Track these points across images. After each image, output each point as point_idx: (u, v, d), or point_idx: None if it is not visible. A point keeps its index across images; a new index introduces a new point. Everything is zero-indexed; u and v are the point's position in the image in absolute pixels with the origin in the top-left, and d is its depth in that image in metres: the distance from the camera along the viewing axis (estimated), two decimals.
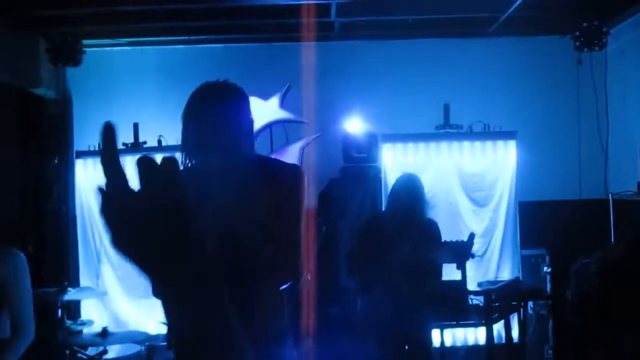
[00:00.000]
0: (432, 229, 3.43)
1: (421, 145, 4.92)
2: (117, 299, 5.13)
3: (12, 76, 5.05)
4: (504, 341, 4.01)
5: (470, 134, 4.91)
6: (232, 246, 1.71)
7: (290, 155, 5.38)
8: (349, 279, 3.67)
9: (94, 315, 4.92)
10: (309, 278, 3.90)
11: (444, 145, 4.91)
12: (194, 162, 1.82)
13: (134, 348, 3.93)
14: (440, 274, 3.39)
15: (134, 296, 5.15)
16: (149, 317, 5.10)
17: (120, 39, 5.61)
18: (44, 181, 5.37)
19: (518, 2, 4.71)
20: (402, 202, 3.40)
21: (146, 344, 3.91)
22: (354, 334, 3.77)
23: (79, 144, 5.46)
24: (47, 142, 5.43)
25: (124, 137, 5.31)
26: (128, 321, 5.10)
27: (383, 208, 4.97)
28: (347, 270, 3.64)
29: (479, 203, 4.89)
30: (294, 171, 1.99)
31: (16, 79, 5.13)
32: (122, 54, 5.73)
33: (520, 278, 4.67)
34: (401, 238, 3.23)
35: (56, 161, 5.46)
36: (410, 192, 3.38)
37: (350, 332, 3.79)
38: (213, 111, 1.81)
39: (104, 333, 3.76)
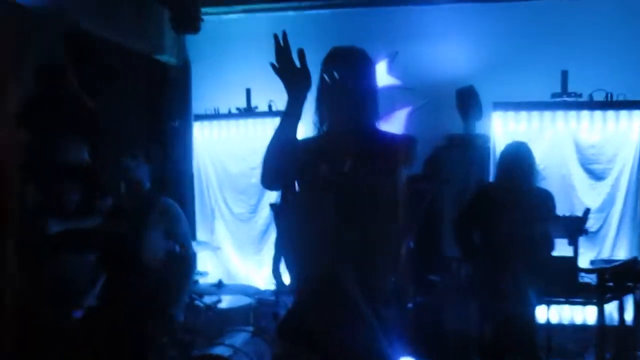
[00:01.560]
0: (545, 199, 3.30)
1: (535, 114, 4.70)
2: (229, 253, 5.50)
3: (138, 42, 5.44)
4: (616, 323, 3.83)
5: (590, 103, 4.60)
6: (351, 198, 1.83)
7: (397, 121, 5.37)
8: (455, 246, 3.64)
9: (208, 267, 5.31)
10: (412, 245, 3.95)
11: (559, 114, 4.66)
12: (325, 125, 1.94)
13: (245, 300, 4.22)
14: (552, 248, 3.28)
15: (245, 252, 5.49)
16: (257, 272, 5.43)
17: (234, 7, 5.82)
18: (165, 142, 5.79)
19: None
20: (510, 171, 3.30)
21: (256, 297, 4.18)
22: (455, 302, 3.78)
23: (197, 108, 5.81)
24: (168, 106, 5.83)
25: (237, 102, 5.58)
26: (238, 275, 5.46)
27: (491, 178, 4.87)
28: (453, 237, 3.62)
29: (596, 176, 4.61)
30: (406, 139, 2.04)
31: (142, 45, 5.52)
32: (236, 22, 5.94)
33: (639, 258, 4.39)
34: (511, 208, 3.16)
35: (176, 124, 5.85)
36: (519, 161, 3.27)
37: (450, 300, 3.81)
38: (346, 77, 1.86)
39: (219, 284, 4.07)
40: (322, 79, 1.90)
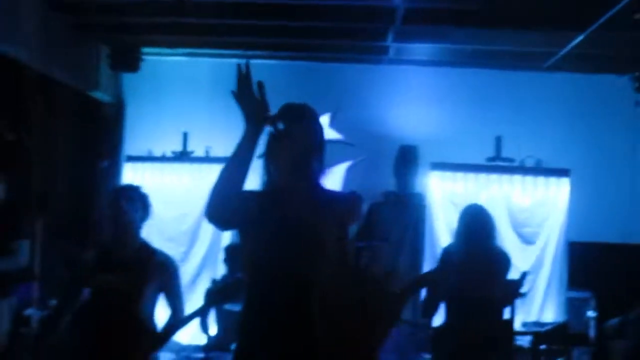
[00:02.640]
0: (502, 261, 3.31)
1: (471, 176, 4.85)
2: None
3: (72, 77, 5.20)
4: None
5: (522, 169, 4.82)
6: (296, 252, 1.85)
7: (335, 175, 5.37)
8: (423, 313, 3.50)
9: None
10: None
11: (494, 177, 4.84)
12: (271, 180, 1.95)
13: (168, 357, 3.93)
14: (499, 311, 3.25)
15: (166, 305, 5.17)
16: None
17: (177, 49, 5.72)
18: (93, 182, 5.48)
19: (578, 39, 4.63)
20: (474, 232, 3.28)
21: (181, 354, 3.91)
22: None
23: (130, 149, 5.57)
24: (99, 144, 5.56)
25: (173, 145, 5.40)
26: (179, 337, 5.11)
27: (425, 236, 4.93)
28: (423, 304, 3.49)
29: (526, 240, 4.77)
30: (352, 197, 2.05)
31: (76, 80, 5.28)
32: (177, 64, 5.84)
33: (564, 319, 4.53)
34: (471, 271, 3.15)
35: (105, 164, 5.57)
36: (483, 222, 3.28)
37: None
38: (295, 134, 1.89)
39: None
40: (271, 134, 1.90)
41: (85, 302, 2.68)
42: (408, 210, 5.14)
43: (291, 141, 1.87)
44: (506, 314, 3.35)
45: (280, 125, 1.86)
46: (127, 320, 2.62)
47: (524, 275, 3.19)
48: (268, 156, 1.94)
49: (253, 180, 2.00)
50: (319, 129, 2.01)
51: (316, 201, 1.93)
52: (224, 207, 1.85)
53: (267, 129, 1.91)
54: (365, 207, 5.11)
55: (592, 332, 4.61)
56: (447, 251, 3.42)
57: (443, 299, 3.26)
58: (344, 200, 2.01)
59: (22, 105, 4.70)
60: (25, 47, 4.29)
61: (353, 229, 2.00)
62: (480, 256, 3.18)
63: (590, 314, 4.70)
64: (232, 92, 1.85)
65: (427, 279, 3.22)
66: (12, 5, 4.16)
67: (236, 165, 1.84)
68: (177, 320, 2.78)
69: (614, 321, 4.00)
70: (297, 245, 1.89)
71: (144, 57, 5.49)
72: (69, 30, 4.97)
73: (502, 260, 3.29)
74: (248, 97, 1.82)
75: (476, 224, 3.24)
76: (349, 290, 2.04)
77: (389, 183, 5.32)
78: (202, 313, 2.66)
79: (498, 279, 3.21)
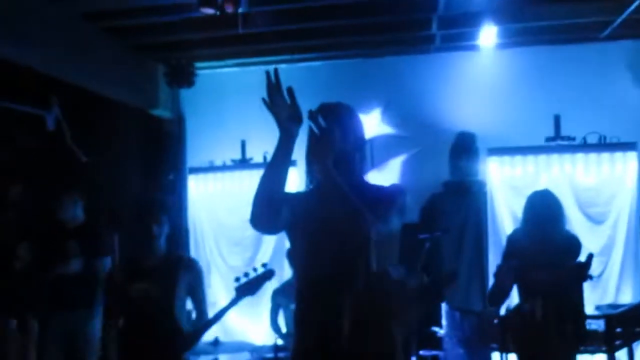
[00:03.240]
0: (571, 245, 3.23)
1: (530, 158, 4.71)
2: None
3: (134, 98, 5.50)
4: None
5: (584, 146, 4.62)
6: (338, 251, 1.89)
7: (391, 169, 5.37)
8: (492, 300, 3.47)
9: None
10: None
11: (554, 157, 4.67)
12: (313, 178, 2.02)
13: (244, 358, 4.08)
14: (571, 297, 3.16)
15: (241, 306, 5.35)
16: (255, 327, 5.29)
17: (228, 60, 5.91)
18: (161, 196, 5.75)
19: (636, 4, 4.39)
20: (541, 216, 3.22)
21: (255, 354, 4.05)
22: (458, 354, 3.67)
23: (192, 161, 5.81)
24: (163, 159, 5.83)
25: (232, 153, 5.58)
26: (235, 330, 5.31)
27: (488, 223, 4.82)
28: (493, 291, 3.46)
29: (594, 219, 4.58)
30: (394, 190, 2.07)
31: (137, 100, 5.58)
32: (230, 75, 6.02)
33: None
34: (542, 254, 3.09)
35: (171, 177, 5.84)
36: (550, 207, 3.21)
37: (453, 352, 3.70)
38: (332, 131, 1.91)
39: (216, 342, 3.94)
40: (309, 133, 1.93)
41: (126, 312, 2.84)
42: (468, 198, 5.05)
43: (329, 139, 1.89)
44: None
45: (317, 124, 1.88)
46: (164, 323, 2.78)
47: (590, 256, 3.08)
48: (309, 156, 1.99)
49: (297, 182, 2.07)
50: (357, 124, 2.06)
51: (361, 196, 1.96)
52: (266, 212, 1.91)
53: (307, 129, 1.96)
54: (425, 199, 5.12)
55: None
56: (513, 238, 3.37)
57: (510, 286, 3.21)
58: (387, 193, 2.03)
59: (91, 128, 5.03)
60: (85, 70, 4.58)
61: (397, 221, 2.02)
62: (549, 241, 3.11)
63: None
64: (263, 99, 1.92)
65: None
66: (73, 34, 4.44)
67: (274, 172, 1.89)
68: (207, 320, 2.92)
69: None
70: (342, 242, 1.93)
71: (198, 71, 5.70)
72: (126, 52, 5.26)
73: (572, 245, 3.20)
74: (279, 103, 1.88)
75: (543, 209, 3.17)
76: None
77: (448, 172, 5.25)
78: (231, 307, 2.79)
79: (567, 263, 3.12)
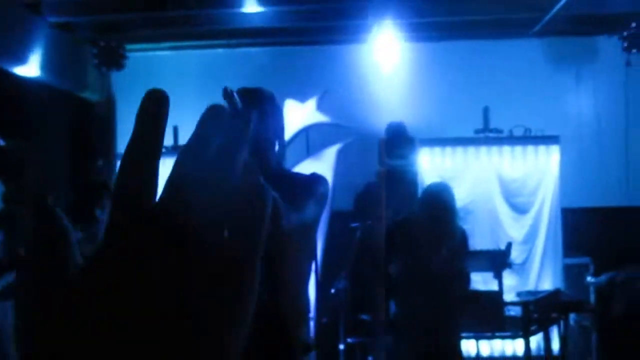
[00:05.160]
0: (463, 238, 3.37)
1: (459, 149, 4.83)
2: None
3: (60, 80, 5.24)
4: (543, 354, 3.89)
5: (511, 139, 4.78)
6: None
7: (327, 158, 5.37)
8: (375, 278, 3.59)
9: None
10: (342, 286, 3.89)
11: (483, 149, 4.81)
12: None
13: None
14: (469, 283, 3.31)
15: None
16: None
17: (162, 44, 5.73)
18: (90, 180, 5.54)
19: (563, 1, 4.56)
20: (435, 209, 3.33)
21: None
22: (386, 342, 3.72)
23: (122, 146, 5.61)
24: (92, 143, 5.61)
25: (164, 140, 5.43)
26: None
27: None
28: (373, 267, 3.58)
29: (519, 209, 4.76)
30: (312, 178, 2.05)
31: (64, 82, 5.32)
32: (164, 58, 5.85)
33: (563, 288, 4.52)
34: (434, 246, 3.17)
35: (101, 162, 5.62)
36: (444, 199, 3.32)
37: (381, 339, 3.76)
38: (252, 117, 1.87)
39: None
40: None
41: None
42: (401, 187, 5.13)
43: (248, 129, 1.87)
44: (493, 285, 3.37)
45: (232, 102, 1.86)
46: None
47: (509, 245, 3.20)
48: None
49: None
50: (278, 112, 2.02)
51: (276, 185, 1.94)
52: None
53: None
54: (359, 188, 5.16)
55: (592, 298, 4.61)
56: (401, 224, 3.47)
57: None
58: (305, 182, 2.02)
59: (13, 110, 4.76)
60: (10, 52, 4.33)
61: (313, 210, 2.00)
62: (441, 231, 3.20)
63: (590, 279, 4.69)
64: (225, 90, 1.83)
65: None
66: None
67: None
68: None
69: (602, 279, 4.00)
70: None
71: (129, 54, 5.50)
72: (51, 32, 5.00)
73: (463, 237, 3.33)
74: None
75: (439, 201, 3.27)
76: None
77: (382, 162, 5.31)
78: None
79: (464, 253, 3.23)
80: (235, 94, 1.82)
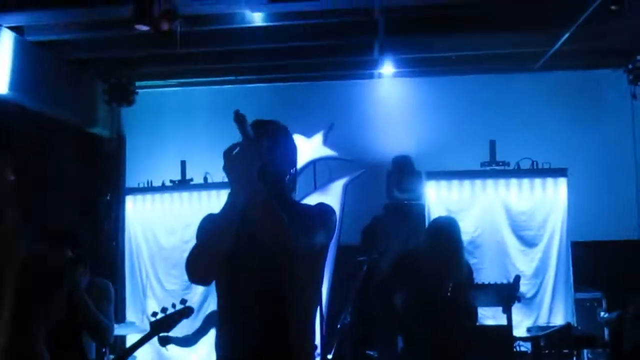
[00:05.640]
0: (469, 271, 3.33)
1: (466, 182, 4.81)
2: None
3: (71, 115, 5.33)
4: None
5: (518, 171, 4.76)
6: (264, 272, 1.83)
7: (333, 192, 5.37)
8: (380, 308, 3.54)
9: (138, 351, 4.97)
10: (348, 320, 3.83)
11: (489, 182, 4.78)
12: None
13: None
14: (476, 318, 3.25)
15: (178, 332, 5.19)
16: (190, 355, 5.12)
17: (170, 80, 5.83)
18: (97, 216, 5.57)
19: (565, 37, 4.61)
20: (442, 242, 3.31)
21: None
22: None
23: (130, 181, 5.65)
24: (100, 178, 5.65)
25: (172, 174, 5.47)
26: (171, 357, 5.13)
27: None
28: (378, 300, 3.54)
29: (528, 242, 4.69)
30: (321, 208, 2.04)
31: (75, 118, 5.41)
32: (172, 95, 5.95)
33: (575, 323, 4.42)
34: (439, 279, 3.14)
35: (107, 197, 5.65)
36: (450, 233, 3.29)
37: None
38: (264, 148, 1.82)
39: None
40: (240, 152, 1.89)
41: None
42: (409, 220, 5.10)
43: (256, 147, 1.78)
44: (503, 320, 3.29)
45: (243, 127, 1.75)
46: (73, 356, 2.69)
47: (517, 278, 3.15)
48: (232, 167, 1.82)
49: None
50: (290, 144, 2.02)
51: (287, 215, 1.93)
52: (209, 266, 1.84)
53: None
54: (367, 221, 5.14)
55: (605, 334, 4.49)
56: (407, 256, 3.44)
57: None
58: (313, 211, 2.01)
59: (24, 145, 4.83)
60: (22, 88, 4.42)
61: (321, 238, 1.99)
62: (447, 265, 3.17)
63: (603, 314, 4.59)
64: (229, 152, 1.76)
65: None
66: (5, 46, 4.29)
67: (225, 227, 1.79)
68: (119, 355, 2.85)
69: (612, 315, 3.91)
70: (269, 262, 1.89)
71: (139, 90, 5.60)
72: (63, 68, 5.11)
73: (469, 271, 3.30)
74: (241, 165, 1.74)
75: (449, 235, 3.25)
76: None
77: (390, 196, 5.30)
78: (144, 342, 2.71)
79: (470, 287, 3.19)
80: (245, 118, 1.83)
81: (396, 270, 3.43)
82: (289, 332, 1.89)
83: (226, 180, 1.88)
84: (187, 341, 4.08)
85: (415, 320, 3.09)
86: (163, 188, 5.41)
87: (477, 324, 3.34)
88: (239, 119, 1.78)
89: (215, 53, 5.13)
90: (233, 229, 1.79)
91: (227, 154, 1.79)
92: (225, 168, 1.78)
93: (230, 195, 1.82)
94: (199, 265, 1.83)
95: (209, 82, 5.81)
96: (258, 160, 1.80)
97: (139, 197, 5.48)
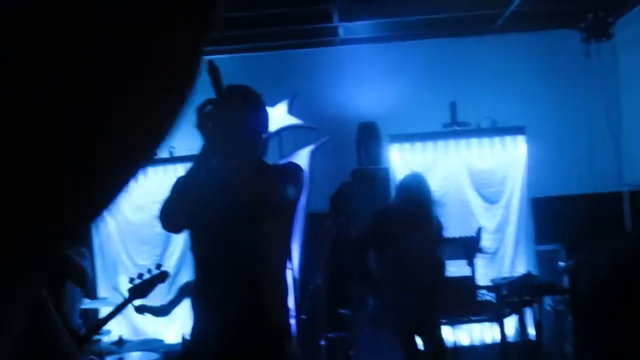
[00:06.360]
0: (439, 226, 3.44)
1: (429, 144, 4.92)
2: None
3: None
4: (522, 339, 3.96)
5: (478, 131, 4.89)
6: (236, 223, 1.90)
7: (300, 159, 5.41)
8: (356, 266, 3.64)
9: (112, 325, 4.99)
10: (320, 281, 3.92)
11: (451, 143, 4.91)
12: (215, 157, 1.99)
13: (152, 356, 3.98)
14: (444, 271, 3.38)
15: (152, 303, 5.22)
16: (166, 327, 5.17)
17: None
18: None
19: None
20: (412, 198, 3.40)
21: (162, 351, 3.96)
22: (367, 335, 3.77)
23: None
24: None
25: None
26: (147, 331, 5.16)
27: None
28: (352, 261, 3.64)
29: (489, 200, 4.86)
30: (289, 166, 2.13)
31: None
32: None
33: (537, 274, 4.62)
34: (411, 234, 3.24)
35: None
36: (418, 189, 3.38)
37: (362, 333, 3.79)
38: (236, 114, 1.95)
39: (120, 342, 3.82)
40: (215, 113, 1.93)
41: None
42: (374, 185, 5.20)
43: (234, 120, 1.91)
44: (467, 271, 3.43)
45: (216, 78, 1.89)
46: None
47: (479, 230, 3.28)
48: (212, 137, 1.95)
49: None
50: (262, 108, 2.08)
51: (260, 175, 1.99)
52: (181, 214, 1.90)
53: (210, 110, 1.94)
54: (335, 187, 5.21)
55: (565, 282, 4.71)
56: (382, 213, 3.52)
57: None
58: (284, 170, 2.09)
59: None
60: None
61: (292, 194, 2.05)
62: (417, 220, 3.27)
63: (561, 264, 4.80)
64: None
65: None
66: None
67: (198, 176, 1.89)
68: (98, 321, 2.87)
69: (569, 263, 4.11)
70: (245, 222, 1.94)
71: None
72: None
73: (440, 226, 3.40)
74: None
75: (417, 191, 3.34)
76: None
77: (357, 161, 5.38)
78: (122, 309, 2.75)
79: (439, 241, 3.30)
80: (219, 71, 1.89)
81: (370, 230, 3.51)
82: (263, 294, 1.95)
83: (192, 153, 1.94)
84: (162, 311, 4.12)
85: (386, 277, 3.19)
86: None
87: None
88: (214, 71, 1.83)
89: None
90: (202, 180, 1.87)
91: (200, 110, 1.84)
92: (198, 125, 1.84)
93: (202, 151, 1.88)
94: (169, 214, 1.89)
95: None
96: (232, 118, 1.87)
97: None
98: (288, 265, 2.13)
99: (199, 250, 2.06)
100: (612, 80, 5.37)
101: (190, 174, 1.92)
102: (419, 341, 3.35)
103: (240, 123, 1.95)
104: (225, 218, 1.93)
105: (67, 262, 2.86)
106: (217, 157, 2.02)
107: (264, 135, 2.12)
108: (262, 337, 1.90)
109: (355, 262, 3.73)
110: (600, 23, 5.26)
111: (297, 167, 2.12)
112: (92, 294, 3.13)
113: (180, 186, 1.92)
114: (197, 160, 1.91)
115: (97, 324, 2.86)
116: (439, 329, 3.33)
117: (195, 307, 2.06)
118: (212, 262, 1.98)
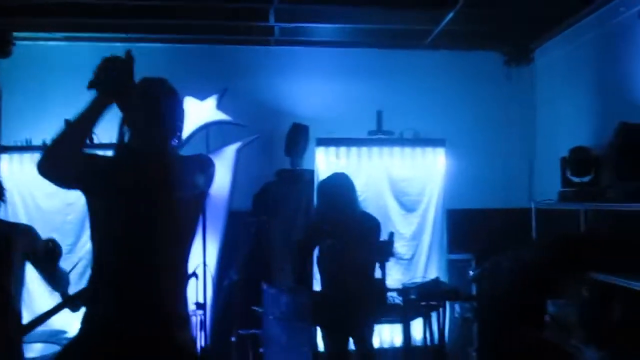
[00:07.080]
0: (372, 223, 3.47)
1: (353, 149, 5.03)
2: (39, 298, 4.95)
3: None
4: (428, 343, 4.10)
5: (401, 140, 5.06)
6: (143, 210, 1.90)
7: (226, 156, 5.37)
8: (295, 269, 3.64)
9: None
10: (235, 277, 3.91)
11: (375, 150, 5.03)
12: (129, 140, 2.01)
13: (54, 348, 3.81)
14: (371, 272, 3.43)
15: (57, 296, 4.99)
16: (73, 317, 4.96)
17: (54, 33, 5.48)
18: None
19: (449, 16, 4.90)
20: (332, 198, 3.43)
21: (64, 343, 3.79)
22: (278, 333, 3.78)
23: (5, 139, 5.29)
24: None
25: (53, 133, 5.18)
26: (54, 321, 4.93)
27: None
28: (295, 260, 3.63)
29: (407, 207, 5.02)
30: (200, 158, 2.13)
31: None
32: (56, 49, 5.60)
33: (447, 281, 4.81)
34: (338, 234, 3.28)
35: None
36: (336, 187, 3.43)
37: (274, 331, 3.80)
38: (154, 104, 1.99)
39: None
40: (132, 101, 1.97)
41: None
42: (299, 186, 5.24)
43: (146, 108, 1.95)
44: (378, 274, 3.52)
45: (140, 93, 1.95)
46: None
47: (391, 235, 3.37)
48: (124, 122, 2.00)
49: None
50: (177, 104, 2.10)
51: (167, 164, 1.98)
52: (62, 164, 1.86)
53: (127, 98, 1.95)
54: (259, 186, 5.20)
55: (474, 290, 4.93)
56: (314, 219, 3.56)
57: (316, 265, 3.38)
58: (193, 161, 2.07)
59: None
60: None
61: (200, 184, 2.05)
62: (345, 221, 3.33)
63: (471, 273, 5.02)
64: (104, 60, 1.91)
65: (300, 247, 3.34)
66: None
67: (80, 127, 1.91)
68: (53, 307, 2.76)
69: (476, 272, 4.31)
70: (149, 209, 1.91)
71: (17, 41, 5.21)
72: None
73: (371, 223, 3.46)
74: (116, 70, 1.94)
75: (336, 190, 3.39)
76: None
77: (285, 162, 5.40)
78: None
79: (368, 241, 3.37)
80: (134, 60, 1.91)
81: (306, 232, 3.51)
82: (159, 281, 1.93)
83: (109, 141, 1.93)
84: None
85: (321, 276, 3.21)
86: (43, 147, 5.11)
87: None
88: (129, 60, 1.87)
89: (104, 6, 4.89)
90: (86, 132, 1.92)
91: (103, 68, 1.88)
92: (95, 77, 1.90)
93: (94, 100, 1.90)
94: (49, 160, 1.86)
95: (98, 38, 5.53)
96: (147, 107, 1.90)
97: (16, 156, 5.15)
98: (196, 259, 2.12)
99: (97, 231, 2.03)
100: (529, 103, 5.71)
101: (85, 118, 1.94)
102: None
103: (155, 112, 1.98)
104: (127, 200, 1.91)
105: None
106: (128, 140, 2.02)
107: (177, 132, 2.11)
108: (152, 323, 1.87)
109: (271, 261, 3.73)
110: (521, 49, 5.59)
111: (207, 159, 2.13)
112: None
113: (70, 137, 1.92)
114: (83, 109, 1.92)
115: (50, 310, 2.74)
116: (370, 331, 3.39)
117: (89, 290, 2.02)
118: (109, 244, 1.95)
